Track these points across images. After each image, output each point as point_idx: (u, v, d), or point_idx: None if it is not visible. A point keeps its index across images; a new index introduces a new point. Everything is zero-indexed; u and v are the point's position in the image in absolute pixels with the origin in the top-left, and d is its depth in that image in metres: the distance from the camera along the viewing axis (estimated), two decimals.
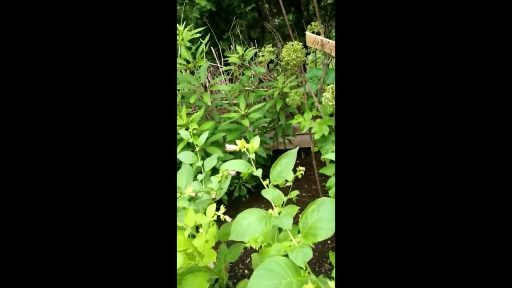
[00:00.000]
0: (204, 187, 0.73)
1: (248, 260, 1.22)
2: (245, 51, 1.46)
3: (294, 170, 0.77)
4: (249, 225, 0.43)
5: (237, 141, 0.53)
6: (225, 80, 1.98)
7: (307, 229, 0.41)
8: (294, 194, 0.74)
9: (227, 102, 1.68)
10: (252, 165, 0.50)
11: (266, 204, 1.52)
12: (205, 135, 0.86)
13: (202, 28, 1.30)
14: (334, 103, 0.84)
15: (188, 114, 1.32)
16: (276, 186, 0.50)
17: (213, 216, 0.61)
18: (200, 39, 1.45)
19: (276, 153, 1.97)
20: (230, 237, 0.45)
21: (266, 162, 1.73)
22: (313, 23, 0.90)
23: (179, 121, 1.27)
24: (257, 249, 0.68)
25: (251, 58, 1.92)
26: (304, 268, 0.38)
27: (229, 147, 0.56)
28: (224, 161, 1.29)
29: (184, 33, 1.27)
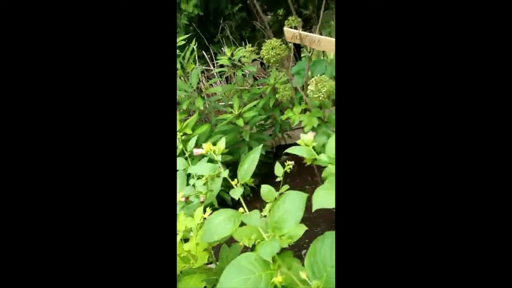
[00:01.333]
0: (196, 191, 0.74)
1: None
2: (234, 51, 1.47)
3: (283, 165, 0.78)
4: (217, 225, 0.44)
5: (204, 144, 0.54)
6: (220, 82, 1.99)
7: (274, 223, 0.41)
8: (284, 188, 0.74)
9: (223, 104, 1.70)
10: (220, 167, 0.51)
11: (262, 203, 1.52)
12: (193, 140, 0.87)
13: (188, 35, 1.32)
14: (319, 95, 0.84)
15: (185, 120, 1.34)
16: (245, 185, 0.51)
17: (200, 219, 0.62)
18: (190, 45, 1.47)
19: (279, 149, 1.97)
20: (202, 238, 0.46)
21: (269, 159, 1.74)
22: (290, 17, 0.90)
23: None
24: (251, 247, 0.69)
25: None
26: (272, 261, 0.39)
27: (197, 151, 0.57)
28: (225, 163, 1.30)
29: None
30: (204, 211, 0.60)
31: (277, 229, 0.40)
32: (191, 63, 1.37)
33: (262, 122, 1.68)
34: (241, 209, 0.48)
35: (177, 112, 1.36)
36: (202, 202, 0.68)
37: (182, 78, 1.53)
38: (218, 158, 0.53)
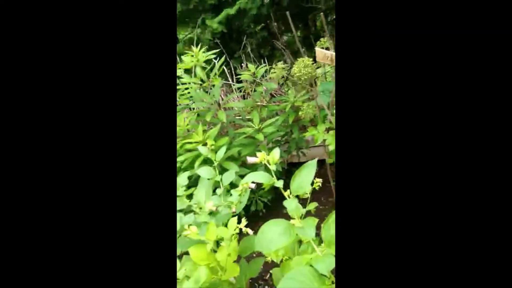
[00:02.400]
0: (223, 201, 0.75)
1: (268, 275, 1.21)
2: (256, 68, 1.52)
3: (311, 182, 0.79)
4: (273, 235, 0.45)
5: (258, 154, 0.55)
6: (238, 97, 2.04)
7: (330, 238, 0.42)
8: (313, 206, 0.75)
9: (240, 118, 1.73)
10: (273, 176, 0.52)
11: (284, 218, 1.51)
12: (222, 150, 0.89)
13: (217, 50, 1.37)
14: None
15: (204, 131, 1.36)
16: (297, 197, 0.52)
17: (235, 229, 0.62)
18: (213, 59, 1.52)
19: (290, 166, 1.97)
20: (255, 248, 0.46)
21: (280, 175, 1.74)
22: (322, 39, 0.94)
23: (196, 138, 1.31)
24: (279, 262, 0.69)
25: (262, 75, 1.98)
26: (328, 276, 0.39)
27: (250, 159, 0.58)
28: (241, 176, 1.31)
29: (200, 54, 1.34)
30: (239, 221, 0.61)
31: (333, 245, 0.41)
32: (217, 77, 1.41)
33: (279, 138, 1.70)
34: (292, 221, 0.49)
35: (200, 123, 1.38)
36: (234, 212, 0.68)
37: (202, 90, 1.57)
38: (273, 167, 0.55)
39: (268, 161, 0.55)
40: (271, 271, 1.21)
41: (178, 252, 0.68)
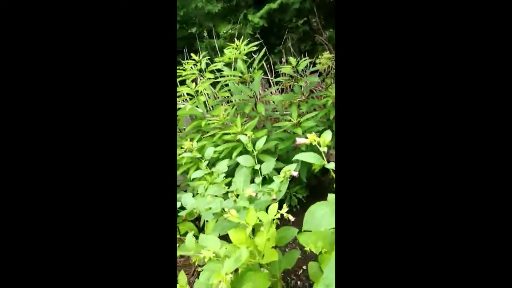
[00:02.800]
0: (260, 188, 0.75)
1: (301, 271, 1.19)
2: (297, 62, 1.50)
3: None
4: (323, 215, 0.44)
5: (308, 135, 0.54)
6: (276, 91, 2.03)
7: None
8: None
9: (277, 112, 1.72)
10: (323, 159, 0.50)
11: None
12: (262, 141, 0.89)
13: (258, 42, 1.38)
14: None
15: (245, 123, 1.38)
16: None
17: (275, 214, 0.62)
18: (252, 53, 1.53)
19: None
20: (303, 227, 0.45)
21: (317, 172, 1.70)
22: None
23: (234, 129, 1.33)
24: (317, 254, 0.67)
25: (303, 69, 1.95)
26: None
27: (299, 140, 0.57)
28: (277, 169, 1.30)
29: (242, 46, 1.35)
30: (281, 207, 0.60)
31: None
32: (258, 70, 1.42)
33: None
34: None
35: (238, 116, 1.40)
36: (274, 199, 0.68)
37: (239, 83, 1.59)
38: (324, 149, 0.53)
39: (318, 143, 0.54)
40: (304, 267, 1.19)
41: (218, 234, 0.70)
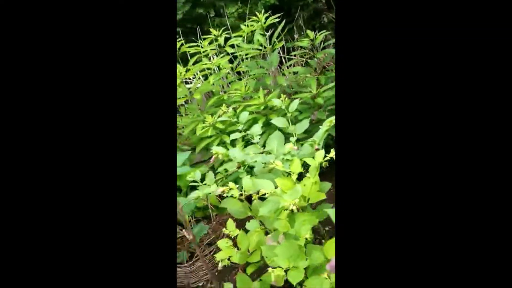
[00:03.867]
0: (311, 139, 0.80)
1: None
2: (315, 36, 1.52)
3: None
4: None
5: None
6: (289, 67, 2.06)
7: None
8: None
9: (293, 89, 1.76)
10: None
11: None
12: (295, 103, 0.94)
13: (280, 14, 1.40)
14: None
15: (266, 94, 1.43)
16: None
17: (322, 160, 0.67)
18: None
19: None
20: None
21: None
22: None
23: (257, 101, 1.38)
24: None
25: (319, 43, 1.97)
26: None
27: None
28: (298, 140, 1.36)
29: (262, 18, 1.38)
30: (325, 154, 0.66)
31: None
32: (277, 42, 1.45)
33: (333, 107, 1.71)
34: None
35: (260, 88, 1.44)
36: (317, 150, 0.73)
37: (259, 57, 1.62)
38: None
39: None
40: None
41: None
